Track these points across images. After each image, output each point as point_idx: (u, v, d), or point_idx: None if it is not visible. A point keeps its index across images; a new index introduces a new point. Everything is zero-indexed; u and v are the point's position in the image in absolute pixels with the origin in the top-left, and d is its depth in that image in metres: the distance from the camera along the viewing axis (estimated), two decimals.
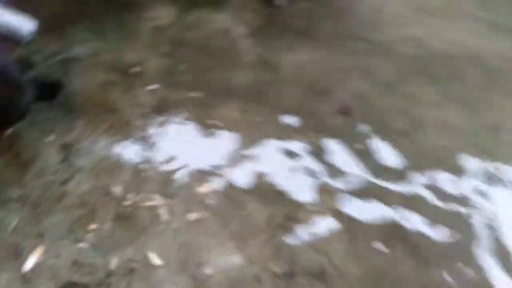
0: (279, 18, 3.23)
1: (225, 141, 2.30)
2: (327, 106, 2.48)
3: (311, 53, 2.86)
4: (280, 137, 2.31)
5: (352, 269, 1.76)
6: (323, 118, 2.41)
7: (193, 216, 1.95)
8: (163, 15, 3.21)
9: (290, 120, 2.41)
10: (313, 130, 2.36)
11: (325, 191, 2.07)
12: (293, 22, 3.18)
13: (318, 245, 1.85)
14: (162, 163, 2.17)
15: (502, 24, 3.32)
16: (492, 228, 1.98)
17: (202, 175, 2.12)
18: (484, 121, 2.53)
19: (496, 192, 2.14)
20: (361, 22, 3.05)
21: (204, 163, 2.17)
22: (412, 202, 2.08)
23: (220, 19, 3.22)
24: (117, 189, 2.03)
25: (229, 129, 2.36)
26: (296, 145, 2.26)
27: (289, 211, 1.96)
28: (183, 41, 2.98)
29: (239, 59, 2.87)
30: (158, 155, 2.21)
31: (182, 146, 2.27)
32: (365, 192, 2.09)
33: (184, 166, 2.16)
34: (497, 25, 3.31)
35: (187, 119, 2.42)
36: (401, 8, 3.33)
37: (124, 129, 2.34)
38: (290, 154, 2.24)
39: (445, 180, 2.18)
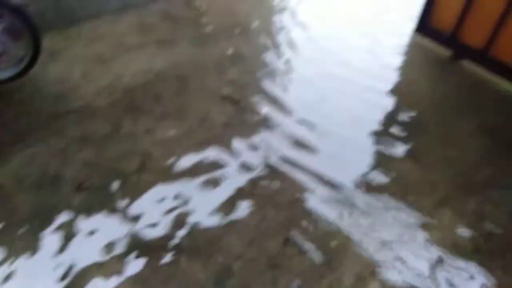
0: None
1: None
2: (64, 190, 2.26)
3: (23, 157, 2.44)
4: None
5: None
6: (63, 201, 2.19)
7: None
8: None
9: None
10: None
11: None
12: None
13: None
14: None
15: (163, 39, 3.55)
16: None
17: None
18: (194, 120, 2.77)
19: None
20: (53, 100, 2.81)
21: None
22: None
23: None
24: None
25: None
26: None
27: None
28: None
29: None
30: None
31: None
32: None
33: None
34: (160, 41, 3.53)
35: None
36: (71, 67, 3.17)
37: None
38: None
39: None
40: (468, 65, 3.59)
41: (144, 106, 2.87)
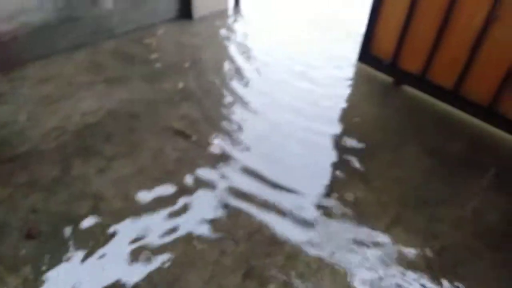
0: None
1: None
2: (11, 239, 2.15)
3: None
4: None
5: None
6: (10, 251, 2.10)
7: None
8: None
9: None
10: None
11: None
12: None
13: None
14: None
15: (113, 77, 3.56)
16: None
17: None
18: (146, 157, 2.76)
19: None
20: None
21: None
22: None
23: None
24: None
25: None
26: None
27: None
28: None
29: None
30: None
31: None
32: None
33: None
34: (111, 79, 3.52)
35: None
36: (16, 110, 3.09)
37: None
38: None
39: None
40: (409, 90, 3.84)
41: (95, 146, 2.81)
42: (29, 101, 3.17)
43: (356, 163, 2.92)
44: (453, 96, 3.54)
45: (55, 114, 3.07)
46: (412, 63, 3.73)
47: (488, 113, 3.37)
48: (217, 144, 2.95)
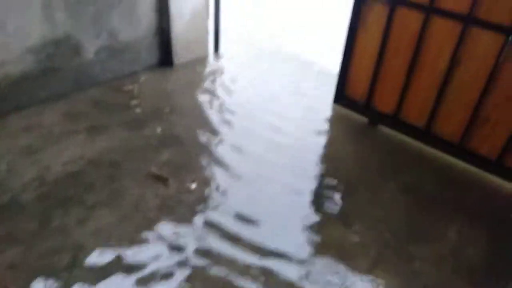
0: None
1: None
2: None
3: None
4: None
5: None
6: None
7: None
8: None
9: None
10: None
11: None
12: None
13: None
14: None
15: (93, 126, 3.57)
16: None
17: None
18: (127, 206, 2.77)
19: None
20: None
21: None
22: None
23: None
24: None
25: None
26: None
27: None
28: None
29: None
30: None
31: None
32: None
33: None
34: (91, 128, 3.55)
35: None
36: None
37: None
38: None
39: None
40: (385, 129, 3.98)
41: (75, 197, 2.80)
42: (9, 151, 3.16)
43: (335, 203, 2.98)
44: (426, 135, 3.69)
45: (35, 164, 3.05)
46: (385, 104, 3.90)
47: (460, 150, 3.52)
48: (200, 189, 2.97)
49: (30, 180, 2.90)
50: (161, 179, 3.03)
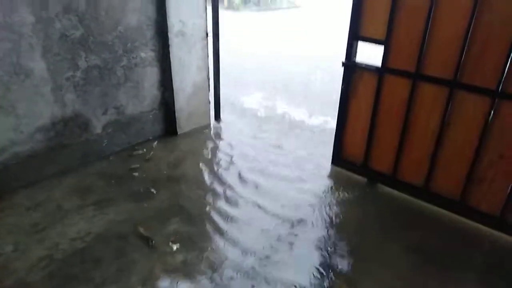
0: None
1: None
2: None
3: None
4: None
5: None
6: None
7: None
8: None
9: None
10: None
11: None
12: None
13: None
14: None
15: (102, 199, 3.65)
16: None
17: None
18: (136, 281, 2.77)
19: None
20: None
21: None
22: None
23: None
24: None
25: None
26: None
27: None
28: None
29: None
30: None
31: None
32: None
33: None
34: (99, 202, 3.63)
35: None
36: (1, 240, 3.12)
37: None
38: None
39: None
40: (385, 188, 4.06)
41: (83, 274, 2.81)
42: (16, 230, 3.21)
43: (341, 264, 2.99)
44: (425, 193, 3.77)
45: (42, 242, 3.10)
46: (382, 164, 4.02)
47: (461, 206, 3.58)
48: (217, 258, 2.99)
49: (37, 260, 2.92)
50: (145, 239, 3.15)
